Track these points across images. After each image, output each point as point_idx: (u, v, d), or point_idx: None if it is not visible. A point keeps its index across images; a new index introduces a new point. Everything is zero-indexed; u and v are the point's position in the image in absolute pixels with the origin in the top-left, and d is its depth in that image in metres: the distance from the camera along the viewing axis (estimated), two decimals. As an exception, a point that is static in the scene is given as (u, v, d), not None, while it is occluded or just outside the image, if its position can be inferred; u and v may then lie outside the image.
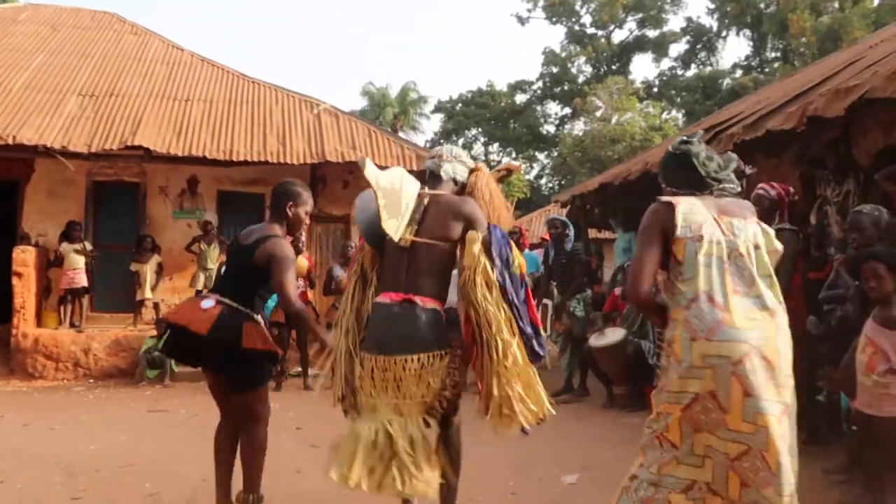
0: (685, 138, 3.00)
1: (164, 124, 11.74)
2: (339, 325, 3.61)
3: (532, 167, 41.57)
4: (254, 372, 3.90)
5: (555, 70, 40.28)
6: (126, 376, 10.28)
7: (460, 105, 41.98)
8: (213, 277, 10.36)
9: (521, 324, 3.32)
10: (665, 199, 2.86)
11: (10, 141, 10.60)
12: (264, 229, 4.03)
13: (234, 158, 11.41)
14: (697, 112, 30.69)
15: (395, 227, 3.36)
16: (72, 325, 10.91)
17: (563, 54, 40.38)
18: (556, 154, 37.40)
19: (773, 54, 37.21)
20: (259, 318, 4.00)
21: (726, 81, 36.09)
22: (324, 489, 4.62)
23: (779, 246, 2.85)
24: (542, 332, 3.51)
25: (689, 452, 2.68)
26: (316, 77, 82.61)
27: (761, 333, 2.63)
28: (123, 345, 10.58)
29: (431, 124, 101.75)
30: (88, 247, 11.08)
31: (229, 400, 3.95)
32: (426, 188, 3.59)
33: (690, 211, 2.78)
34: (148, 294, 11.27)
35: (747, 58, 38.48)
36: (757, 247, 2.76)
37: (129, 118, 11.75)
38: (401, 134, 27.66)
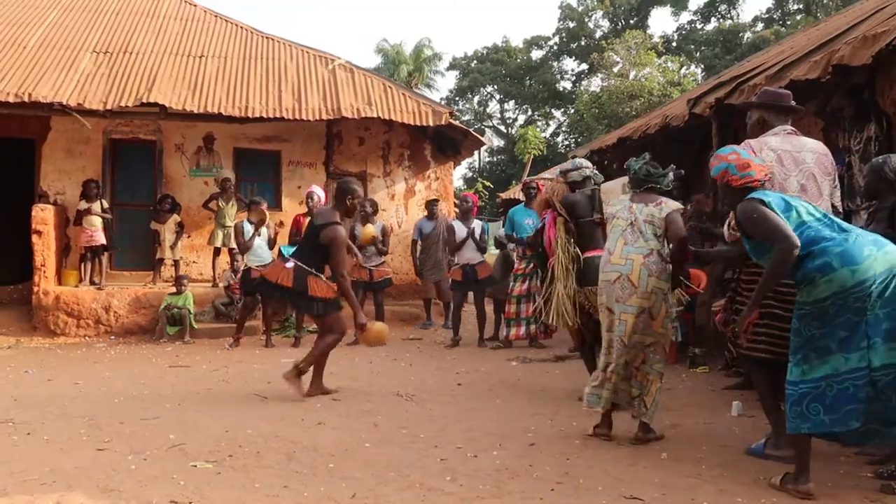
0: (634, 159, 4.80)
1: (179, 81, 11.69)
2: (564, 272, 5.37)
3: (548, 124, 41.23)
4: (322, 306, 6.02)
5: (572, 25, 39.70)
6: (146, 333, 10.40)
7: (475, 62, 41.58)
8: (231, 235, 10.38)
9: None
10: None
11: (25, 98, 10.61)
12: (330, 214, 6.01)
13: (250, 115, 11.36)
14: (717, 67, 30.15)
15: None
16: (92, 282, 11.00)
17: (581, 8, 39.76)
18: (572, 111, 36.99)
19: (796, 6, 36.48)
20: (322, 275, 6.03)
21: (747, 35, 35.42)
22: (346, 439, 4.67)
23: (664, 214, 4.55)
24: None
25: (608, 344, 4.60)
26: (329, 34, 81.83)
27: (630, 267, 4.50)
28: (143, 302, 10.68)
29: (446, 81, 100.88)
30: (105, 205, 11.14)
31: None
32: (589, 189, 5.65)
33: (613, 205, 4.81)
34: (168, 253, 11.34)
35: (769, 10, 37.78)
36: (647, 221, 4.55)
37: (143, 75, 11.70)
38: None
